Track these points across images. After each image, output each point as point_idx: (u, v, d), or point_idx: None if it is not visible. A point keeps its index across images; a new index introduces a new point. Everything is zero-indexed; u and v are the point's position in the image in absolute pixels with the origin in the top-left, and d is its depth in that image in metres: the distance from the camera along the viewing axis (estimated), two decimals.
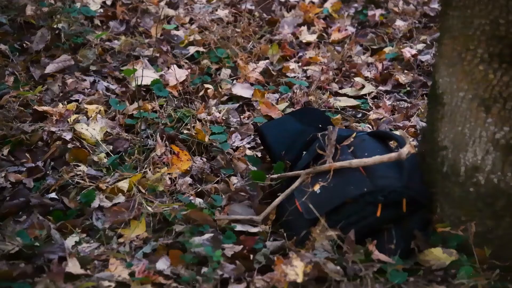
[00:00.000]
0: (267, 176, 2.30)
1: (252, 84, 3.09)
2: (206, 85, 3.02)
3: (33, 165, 2.39)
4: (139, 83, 2.82)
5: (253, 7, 3.85)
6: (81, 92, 2.90)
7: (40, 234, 2.01)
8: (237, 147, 2.62)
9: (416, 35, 3.65)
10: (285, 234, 2.04)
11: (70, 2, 3.52)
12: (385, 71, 3.27)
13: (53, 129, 2.54)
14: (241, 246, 1.97)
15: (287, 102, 2.96)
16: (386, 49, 3.50)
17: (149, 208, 2.13)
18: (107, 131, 2.60)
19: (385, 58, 3.40)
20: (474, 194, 1.93)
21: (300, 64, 3.35)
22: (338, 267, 1.86)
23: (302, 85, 3.06)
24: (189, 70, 3.08)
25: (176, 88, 2.95)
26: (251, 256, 1.94)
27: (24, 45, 3.21)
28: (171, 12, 3.76)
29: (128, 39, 3.36)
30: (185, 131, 2.63)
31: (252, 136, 2.69)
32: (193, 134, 2.60)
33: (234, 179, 2.40)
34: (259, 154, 2.57)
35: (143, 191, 2.25)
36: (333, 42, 3.64)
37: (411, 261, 1.95)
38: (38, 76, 3.00)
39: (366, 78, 3.24)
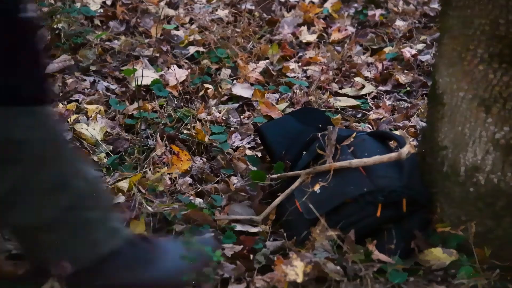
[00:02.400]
0: (267, 176, 2.30)
1: (252, 84, 3.09)
2: (206, 85, 3.02)
3: None
4: (139, 83, 2.82)
5: (253, 7, 3.85)
6: (81, 92, 2.90)
7: None
8: (237, 147, 2.62)
9: (416, 35, 3.64)
10: (285, 234, 2.04)
11: (70, 2, 3.52)
12: (385, 71, 3.27)
13: None
14: (241, 246, 1.97)
15: (287, 102, 2.96)
16: (386, 49, 3.50)
17: (149, 208, 2.13)
18: (107, 131, 2.60)
19: (385, 58, 3.39)
20: (474, 194, 1.93)
21: (300, 64, 3.35)
22: (338, 267, 1.86)
23: (302, 85, 3.06)
24: (189, 70, 3.08)
25: (176, 88, 2.95)
26: (251, 256, 1.93)
27: None
28: (171, 12, 3.76)
29: (128, 39, 3.36)
30: (185, 131, 2.63)
31: (252, 136, 2.69)
32: (193, 134, 2.60)
33: (234, 179, 2.40)
34: (259, 154, 2.56)
35: (143, 191, 2.25)
36: (333, 42, 3.64)
37: (411, 261, 1.94)
38: None
39: (366, 78, 3.23)
